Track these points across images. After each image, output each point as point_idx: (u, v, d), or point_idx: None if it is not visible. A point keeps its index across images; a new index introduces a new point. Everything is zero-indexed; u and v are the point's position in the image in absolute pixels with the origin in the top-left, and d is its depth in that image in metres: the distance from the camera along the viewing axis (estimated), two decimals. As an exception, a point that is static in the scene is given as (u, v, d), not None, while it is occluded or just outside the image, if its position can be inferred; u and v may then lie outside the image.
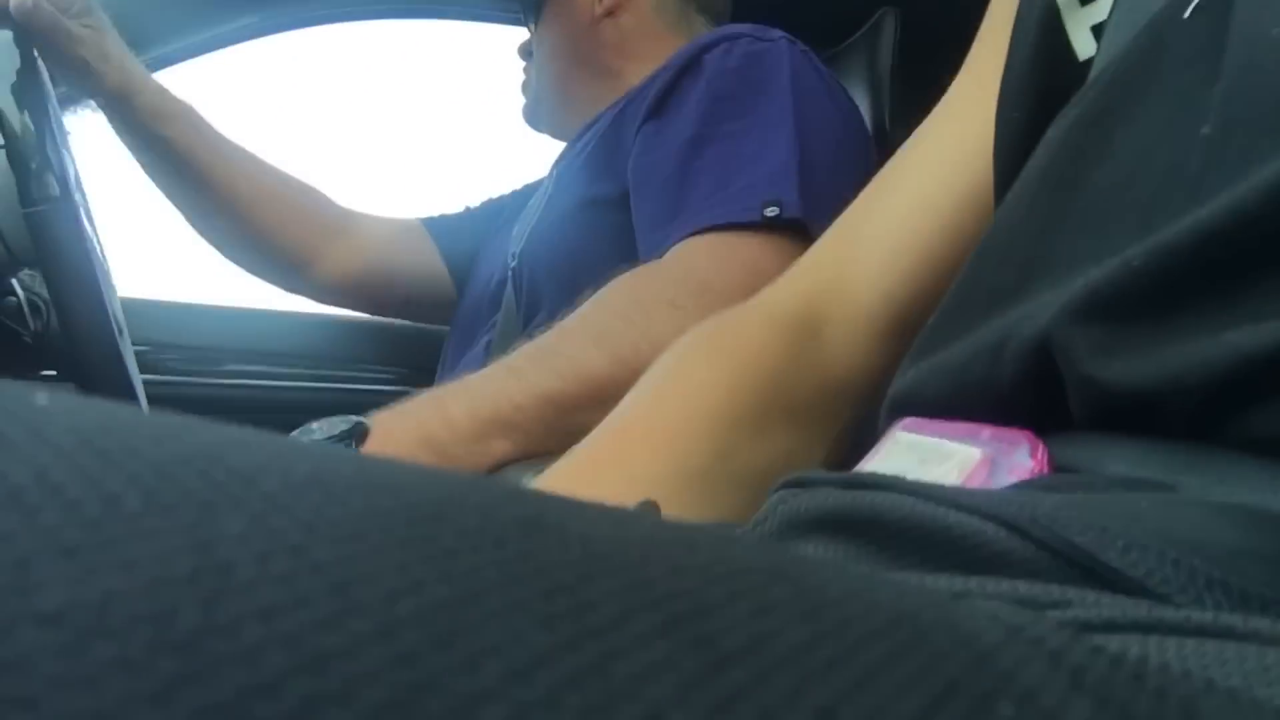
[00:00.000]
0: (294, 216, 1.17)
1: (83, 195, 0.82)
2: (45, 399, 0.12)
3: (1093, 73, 0.39)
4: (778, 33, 0.97)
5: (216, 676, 0.09)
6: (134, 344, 0.83)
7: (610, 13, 1.13)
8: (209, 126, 1.12)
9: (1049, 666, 0.12)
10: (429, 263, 1.25)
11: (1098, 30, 0.41)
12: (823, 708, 0.10)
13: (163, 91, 1.07)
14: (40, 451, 0.11)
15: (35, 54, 0.86)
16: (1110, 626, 0.17)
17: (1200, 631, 0.16)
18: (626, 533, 0.13)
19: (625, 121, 0.97)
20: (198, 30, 1.32)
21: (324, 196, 1.23)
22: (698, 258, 0.80)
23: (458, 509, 0.12)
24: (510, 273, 1.01)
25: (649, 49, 1.11)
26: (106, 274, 0.81)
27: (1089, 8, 0.42)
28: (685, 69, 0.93)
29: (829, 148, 0.89)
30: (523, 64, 1.23)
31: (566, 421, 0.72)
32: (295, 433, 0.73)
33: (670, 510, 0.41)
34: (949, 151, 0.49)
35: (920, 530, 0.23)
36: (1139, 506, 0.21)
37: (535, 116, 1.22)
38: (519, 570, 0.11)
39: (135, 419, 0.12)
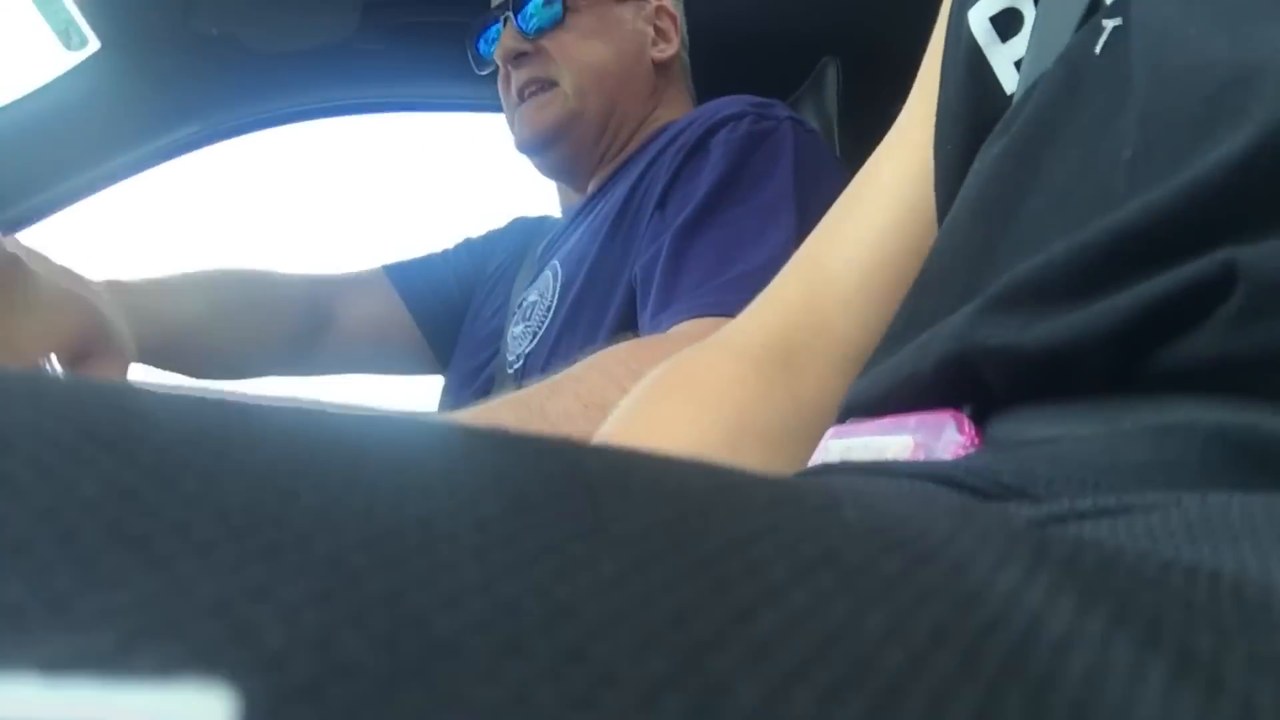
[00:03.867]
0: (269, 326, 1.11)
1: None
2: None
3: (1014, 102, 0.41)
4: (781, 110, 0.96)
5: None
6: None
7: (665, 64, 1.13)
8: (161, 284, 1.02)
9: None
10: (396, 314, 1.21)
11: (1020, 65, 0.43)
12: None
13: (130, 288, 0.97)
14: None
15: None
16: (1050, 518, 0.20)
17: (1105, 511, 0.19)
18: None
19: (632, 218, 0.95)
20: (140, 145, 1.33)
21: (290, 285, 1.16)
22: (699, 337, 0.78)
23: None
24: (513, 371, 0.99)
25: (671, 101, 1.12)
26: None
27: (1009, 44, 0.44)
28: (690, 153, 0.93)
29: None
30: (512, 72, 1.11)
31: None
32: None
33: None
34: (910, 175, 0.50)
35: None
36: (1060, 448, 0.24)
37: (553, 140, 1.10)
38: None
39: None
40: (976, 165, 0.39)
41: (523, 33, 1.09)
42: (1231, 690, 0.11)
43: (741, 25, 1.32)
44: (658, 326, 0.83)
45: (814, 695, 0.09)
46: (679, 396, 0.49)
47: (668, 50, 1.12)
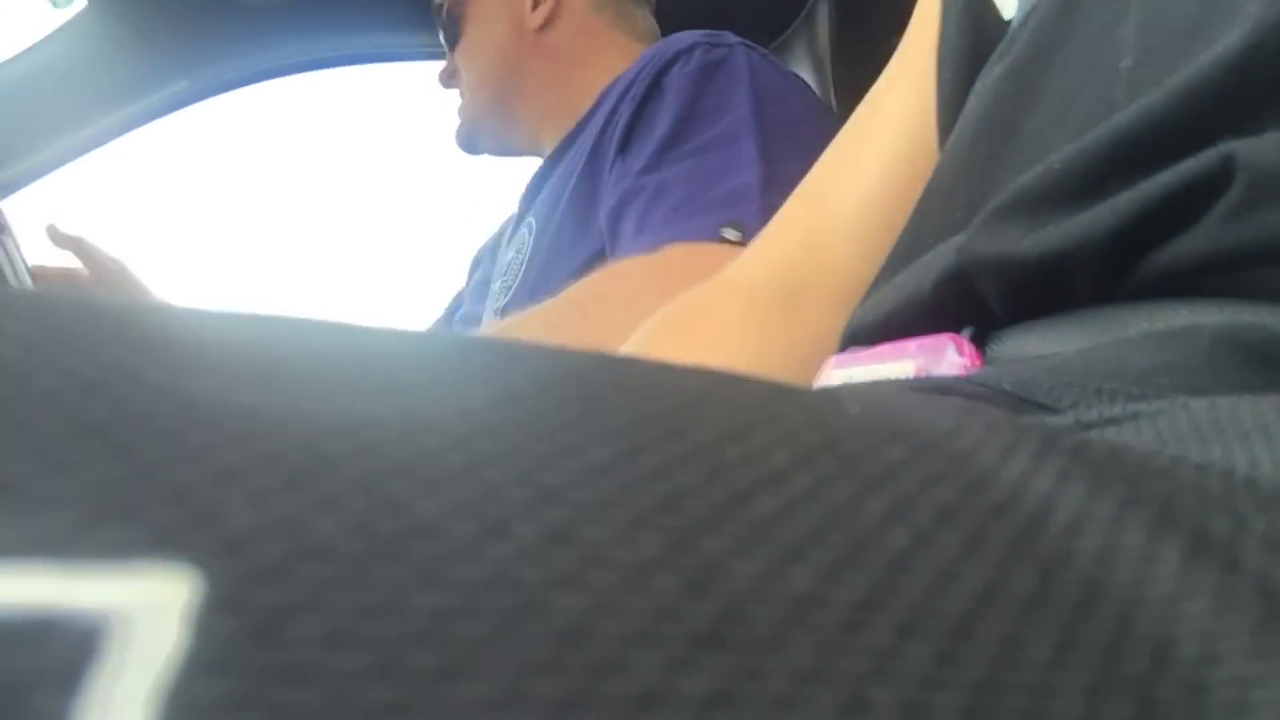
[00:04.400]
0: None
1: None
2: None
3: (1012, 27, 0.40)
4: (730, 37, 0.95)
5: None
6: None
7: (547, 22, 1.08)
8: None
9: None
10: None
11: None
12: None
13: None
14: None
15: None
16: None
17: (1110, 420, 0.18)
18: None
19: (599, 165, 0.95)
20: (129, 103, 1.31)
21: None
22: (683, 259, 0.78)
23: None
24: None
25: (597, 51, 1.09)
26: None
27: None
28: (647, 96, 0.92)
29: (796, 152, 0.85)
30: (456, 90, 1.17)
31: None
32: None
33: None
34: (911, 106, 0.48)
35: None
36: (1063, 359, 0.24)
37: (474, 141, 1.16)
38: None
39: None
40: (978, 87, 0.38)
41: (452, 52, 1.15)
42: (1248, 569, 0.11)
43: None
44: (631, 254, 0.83)
45: (812, 574, 0.09)
46: (680, 338, 0.49)
47: (542, 12, 1.08)
